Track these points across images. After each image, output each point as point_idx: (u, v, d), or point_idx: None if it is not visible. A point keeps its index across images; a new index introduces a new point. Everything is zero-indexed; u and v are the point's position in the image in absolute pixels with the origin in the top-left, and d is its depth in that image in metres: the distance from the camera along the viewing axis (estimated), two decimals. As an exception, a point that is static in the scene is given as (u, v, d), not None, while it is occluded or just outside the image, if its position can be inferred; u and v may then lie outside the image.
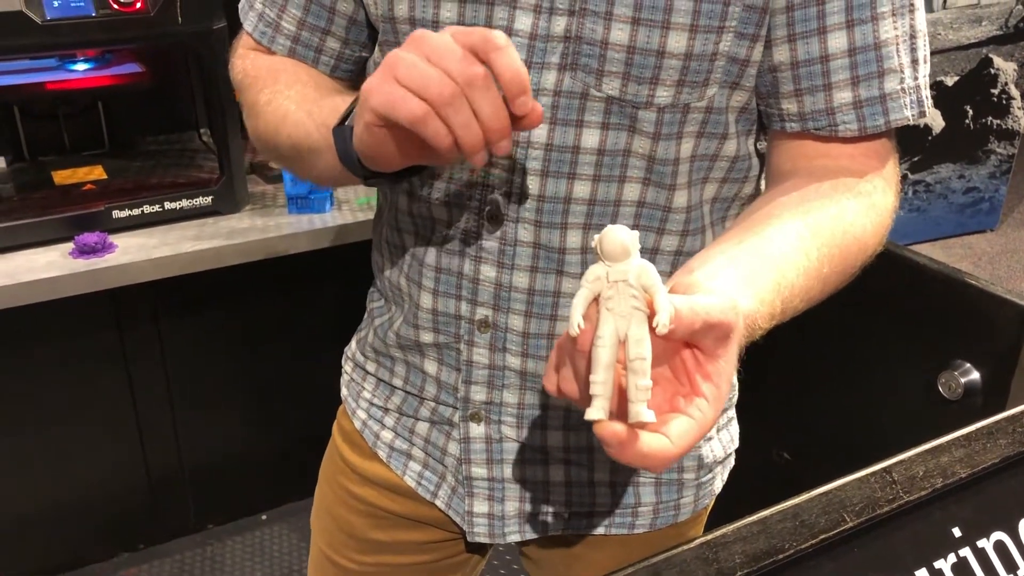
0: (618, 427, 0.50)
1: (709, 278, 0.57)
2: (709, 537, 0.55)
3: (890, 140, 0.75)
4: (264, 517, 2.11)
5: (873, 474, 0.62)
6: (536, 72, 0.71)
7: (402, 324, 0.86)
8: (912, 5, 0.71)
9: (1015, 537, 0.63)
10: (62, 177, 1.63)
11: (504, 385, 0.82)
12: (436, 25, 0.72)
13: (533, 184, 0.74)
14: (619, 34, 0.69)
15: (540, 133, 0.72)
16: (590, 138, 0.72)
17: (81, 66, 1.62)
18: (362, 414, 0.94)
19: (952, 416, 1.20)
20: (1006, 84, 3.49)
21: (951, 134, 3.48)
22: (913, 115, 0.72)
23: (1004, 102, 3.52)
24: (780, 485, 0.59)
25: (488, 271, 0.78)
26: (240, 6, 0.87)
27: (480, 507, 0.87)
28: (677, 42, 0.68)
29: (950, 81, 3.39)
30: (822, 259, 0.67)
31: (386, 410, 0.91)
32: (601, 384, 0.52)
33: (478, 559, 0.99)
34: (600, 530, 0.87)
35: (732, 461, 0.93)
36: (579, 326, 0.52)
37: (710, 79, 0.70)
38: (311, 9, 0.82)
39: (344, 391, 0.99)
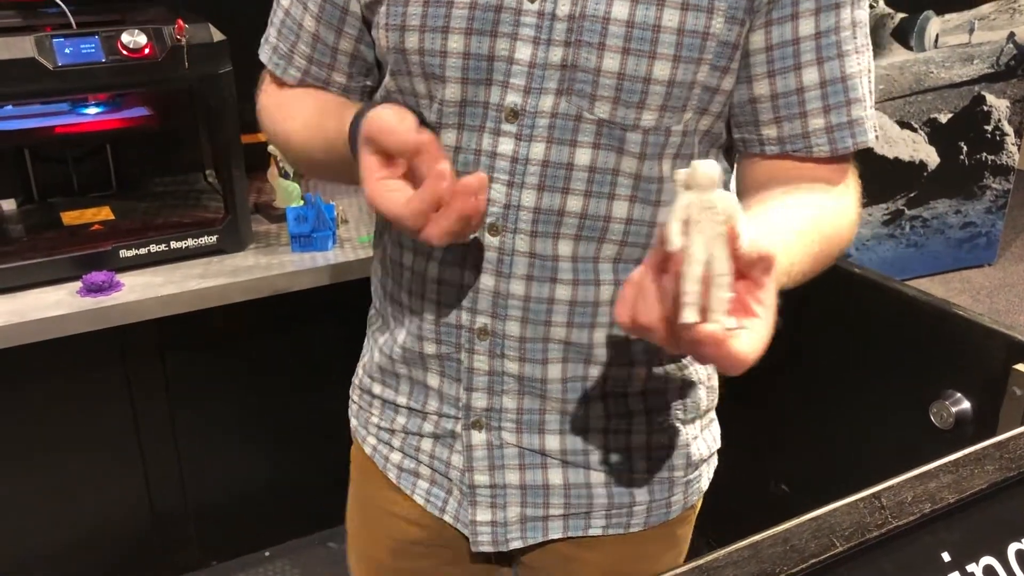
0: (715, 327, 0.58)
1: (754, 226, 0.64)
2: (701, 561, 0.56)
3: (852, 159, 0.84)
4: (267, 554, 2.11)
5: (862, 499, 0.63)
6: (535, 96, 0.78)
7: (407, 337, 0.90)
8: (868, 45, 0.80)
9: (1004, 562, 0.64)
10: (70, 218, 1.66)
11: (504, 391, 0.87)
12: (444, 55, 0.79)
13: (529, 198, 0.80)
14: (611, 62, 0.76)
15: (538, 151, 0.79)
16: (583, 156, 0.79)
17: (91, 110, 1.66)
18: (372, 440, 0.98)
19: (944, 445, 1.21)
20: (999, 121, 3.54)
21: (946, 170, 3.52)
22: (873, 139, 0.82)
23: (998, 138, 3.57)
24: (779, 518, 0.60)
25: (487, 280, 0.83)
26: (262, 40, 0.96)
27: (483, 515, 0.91)
28: (662, 70, 0.76)
29: (944, 118, 3.44)
30: (815, 242, 0.76)
31: (392, 431, 0.95)
32: (693, 294, 0.59)
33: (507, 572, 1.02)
34: (597, 531, 0.91)
35: (715, 461, 0.98)
36: (678, 245, 0.59)
37: (687, 105, 0.78)
38: (317, 48, 0.90)
39: (353, 421, 1.03)
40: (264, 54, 0.94)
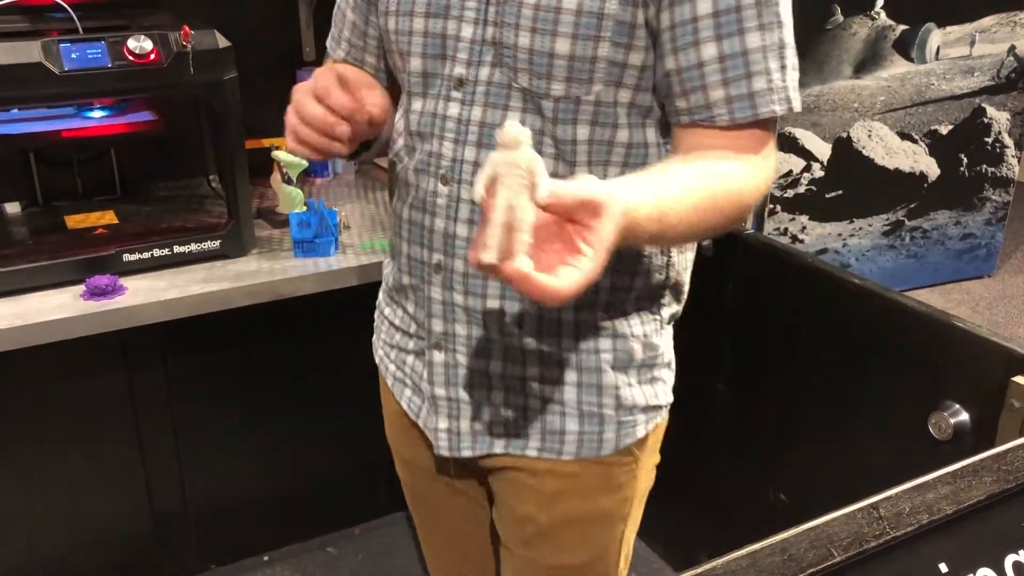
0: (519, 264, 0.69)
1: (596, 179, 0.76)
2: (699, 570, 0.56)
3: (765, 130, 0.90)
4: (266, 558, 2.11)
5: (860, 510, 0.64)
6: (475, 68, 0.93)
7: (395, 270, 1.09)
8: (780, 23, 0.87)
9: (1001, 573, 0.64)
10: (75, 221, 1.67)
11: (455, 319, 1.01)
12: (410, 35, 0.96)
13: (471, 153, 0.95)
14: (524, 40, 0.89)
15: (477, 114, 0.94)
16: (511, 118, 0.92)
17: (97, 114, 1.67)
18: (380, 352, 1.17)
19: (943, 456, 1.22)
20: (999, 133, 3.55)
21: (947, 181, 3.53)
22: (781, 109, 0.88)
23: (998, 150, 3.58)
24: (777, 528, 0.61)
25: (439, 223, 0.98)
26: None
27: (442, 423, 1.05)
28: (562, 46, 0.88)
29: (944, 130, 3.45)
30: (703, 199, 0.86)
31: (392, 346, 1.13)
32: (492, 237, 0.69)
33: (478, 494, 1.16)
34: (533, 452, 1.03)
35: (660, 418, 1.07)
36: (481, 196, 0.71)
37: (594, 77, 0.90)
38: (354, 32, 1.10)
39: (373, 337, 1.20)
40: (328, 40, 1.16)
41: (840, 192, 3.36)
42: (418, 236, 1.01)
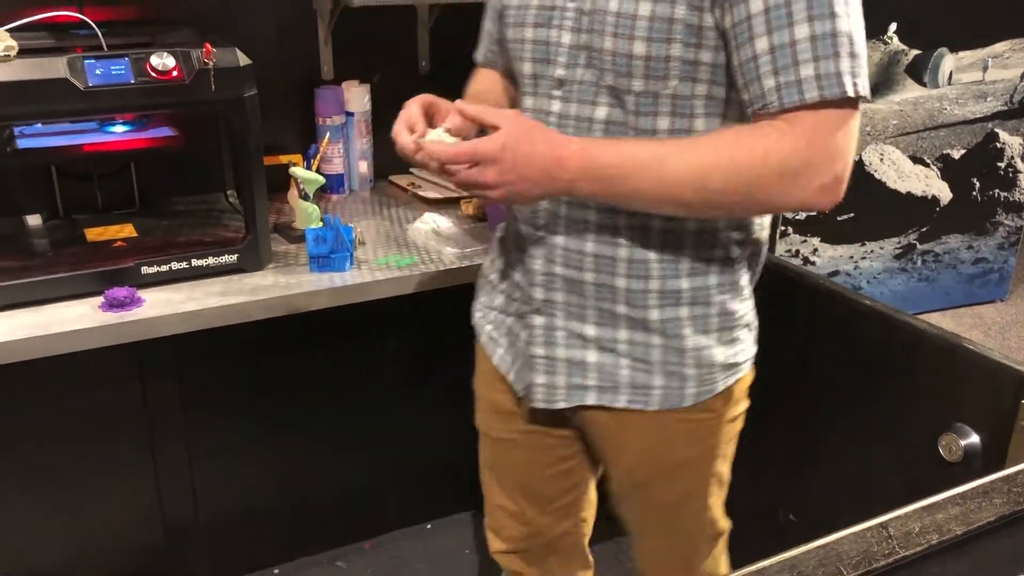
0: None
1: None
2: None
3: (818, 114, 0.94)
4: (276, 572, 2.12)
5: (870, 528, 0.64)
6: (572, 70, 1.09)
7: (503, 243, 1.28)
8: (833, 14, 0.93)
9: (1010, 594, 0.65)
10: (94, 234, 1.69)
11: (555, 288, 1.17)
12: (522, 43, 1.14)
13: None
14: (608, 43, 1.04)
15: (571, 109, 1.09)
16: (600, 113, 1.08)
17: (118, 129, 1.69)
18: (479, 314, 1.35)
19: (953, 479, 1.22)
20: (1012, 158, 3.55)
21: (959, 205, 3.53)
22: (831, 95, 0.93)
23: (1010, 175, 3.58)
24: (786, 547, 0.61)
25: (544, 202, 1.13)
26: None
27: (540, 379, 1.20)
28: (639, 48, 1.02)
29: (957, 154, 3.46)
30: (706, 144, 1.00)
31: (491, 308, 1.31)
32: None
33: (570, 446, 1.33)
34: (622, 403, 1.17)
35: (740, 374, 1.19)
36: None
37: (669, 74, 1.02)
38: (492, 41, 1.32)
39: (474, 300, 1.37)
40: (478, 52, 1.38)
41: (852, 215, 3.36)
42: (527, 214, 1.16)
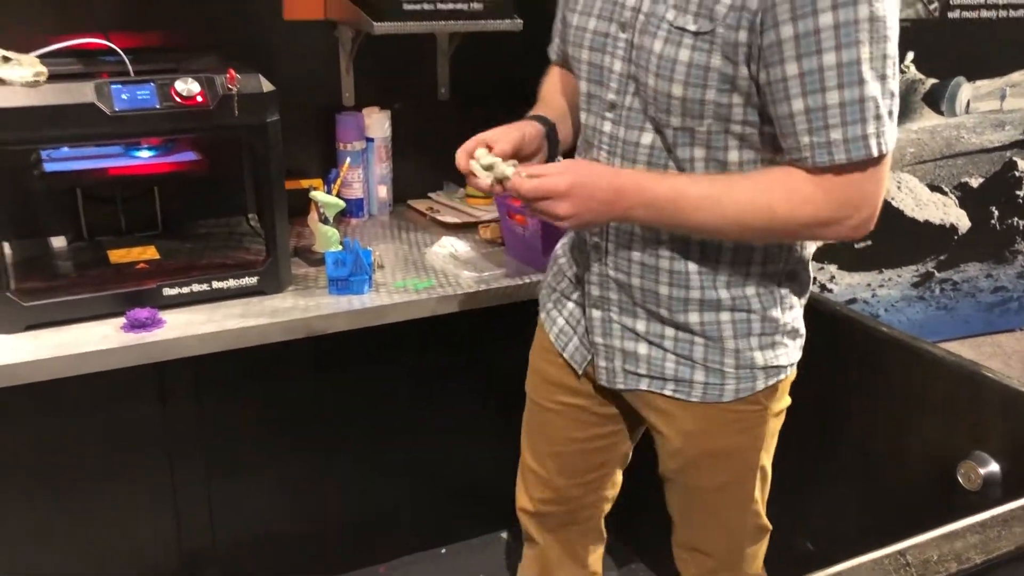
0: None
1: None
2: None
3: (847, 173, 1.06)
4: (290, 595, 2.12)
5: (888, 556, 0.64)
6: (622, 96, 1.19)
7: (571, 241, 1.40)
8: (862, 80, 1.02)
9: (1029, 623, 0.64)
10: (117, 256, 1.72)
11: (608, 288, 1.29)
12: (579, 63, 1.25)
13: (617, 162, 1.22)
14: (650, 81, 1.13)
15: (621, 132, 1.20)
16: (645, 138, 1.18)
17: (143, 153, 1.72)
18: (544, 291, 1.47)
19: (972, 508, 1.21)
20: (1031, 186, 3.54)
21: (977, 234, 3.51)
22: (856, 157, 1.04)
23: (1029, 204, 3.56)
24: (803, 573, 0.61)
25: None
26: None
27: (601, 363, 1.34)
28: (677, 90, 1.11)
29: (975, 183, 3.45)
30: (733, 181, 1.13)
31: (555, 290, 1.43)
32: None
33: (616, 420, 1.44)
34: (668, 392, 1.28)
35: (783, 374, 1.27)
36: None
37: (704, 114, 1.12)
38: (559, 46, 1.42)
39: (542, 279, 1.51)
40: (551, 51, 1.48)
41: (869, 242, 3.36)
42: None
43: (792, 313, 1.26)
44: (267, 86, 1.59)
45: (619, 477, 1.54)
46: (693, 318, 1.23)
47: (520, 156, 1.25)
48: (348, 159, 2.01)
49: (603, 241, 1.27)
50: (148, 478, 1.91)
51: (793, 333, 1.27)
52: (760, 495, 1.35)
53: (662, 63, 1.10)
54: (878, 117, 1.03)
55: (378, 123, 2.09)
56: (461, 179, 1.46)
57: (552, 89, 1.45)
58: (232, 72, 1.56)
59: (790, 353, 1.27)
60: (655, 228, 1.20)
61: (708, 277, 1.21)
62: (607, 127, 1.21)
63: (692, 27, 1.07)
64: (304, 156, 2.06)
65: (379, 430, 2.12)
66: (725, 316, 1.22)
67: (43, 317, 1.52)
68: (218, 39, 1.82)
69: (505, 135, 1.24)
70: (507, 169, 1.17)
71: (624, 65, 1.17)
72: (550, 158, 1.34)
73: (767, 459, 1.32)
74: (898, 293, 3.49)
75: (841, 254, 3.33)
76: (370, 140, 2.09)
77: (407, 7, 1.84)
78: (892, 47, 1.03)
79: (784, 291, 1.24)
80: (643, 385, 1.30)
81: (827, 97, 1.02)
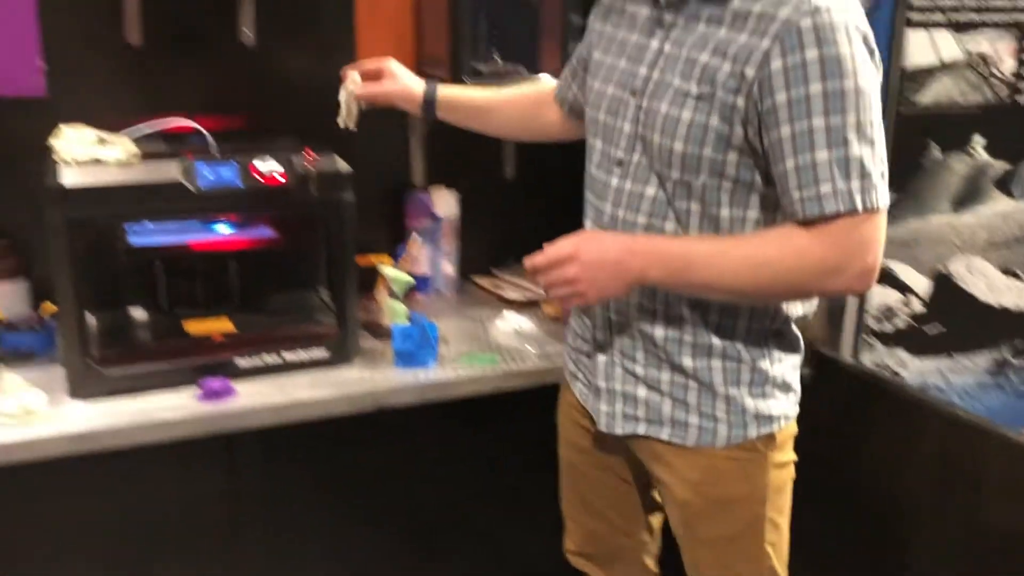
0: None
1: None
2: None
3: (839, 226, 1.15)
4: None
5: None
6: (629, 153, 1.30)
7: None
8: (846, 141, 1.13)
9: None
10: (194, 327, 1.77)
11: (611, 331, 1.37)
12: (595, 123, 1.37)
13: (621, 213, 1.31)
14: (656, 138, 1.25)
15: (627, 185, 1.30)
16: (649, 191, 1.28)
17: (223, 228, 1.79)
18: (565, 354, 1.54)
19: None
20: (1110, 271, 3.43)
21: (1055, 319, 3.41)
22: (843, 209, 1.14)
23: (1109, 289, 3.45)
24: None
25: None
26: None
27: (603, 407, 1.39)
28: (678, 146, 1.23)
29: (1050, 267, 3.36)
30: (738, 243, 1.23)
31: (572, 348, 1.50)
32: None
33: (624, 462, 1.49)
34: (665, 436, 1.34)
35: (777, 424, 1.33)
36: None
37: (701, 168, 1.22)
38: (565, 86, 1.60)
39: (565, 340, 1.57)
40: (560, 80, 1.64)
41: (941, 327, 3.28)
42: None
43: (781, 367, 1.33)
44: (342, 166, 1.65)
45: (656, 521, 1.57)
46: (687, 361, 1.30)
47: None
48: (416, 236, 2.06)
49: None
50: (214, 549, 1.92)
51: (784, 387, 1.34)
52: (775, 552, 1.37)
53: (667, 122, 1.22)
54: (863, 175, 1.13)
55: (445, 202, 2.15)
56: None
57: (506, 92, 1.69)
58: (309, 152, 1.63)
59: (782, 405, 1.33)
60: None
61: (700, 321, 1.29)
62: (614, 181, 1.31)
63: (695, 91, 1.20)
64: (374, 233, 2.12)
65: (444, 502, 2.10)
66: (716, 363, 1.30)
67: (122, 385, 1.57)
68: (296, 121, 1.89)
69: (377, 84, 1.65)
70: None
71: (632, 126, 1.28)
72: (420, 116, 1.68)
73: (775, 512, 1.35)
74: (973, 380, 3.38)
75: (910, 339, 3.26)
76: (437, 218, 2.15)
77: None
78: (876, 116, 1.15)
79: (772, 344, 1.31)
80: (641, 429, 1.36)
81: (816, 156, 1.13)
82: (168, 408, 1.53)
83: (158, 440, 1.50)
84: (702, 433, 1.32)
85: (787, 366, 1.34)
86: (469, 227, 2.21)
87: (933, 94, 3.11)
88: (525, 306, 2.06)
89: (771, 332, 1.31)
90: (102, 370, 1.56)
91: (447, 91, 1.68)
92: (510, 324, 1.90)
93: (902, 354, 3.26)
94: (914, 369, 3.29)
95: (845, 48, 1.12)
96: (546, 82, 1.67)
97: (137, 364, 1.60)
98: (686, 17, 1.23)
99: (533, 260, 1.24)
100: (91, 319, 1.62)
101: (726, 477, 1.33)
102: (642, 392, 1.35)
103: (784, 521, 1.38)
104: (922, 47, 3.04)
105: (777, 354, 1.32)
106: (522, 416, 1.65)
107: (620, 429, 1.38)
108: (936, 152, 3.14)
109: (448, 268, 2.19)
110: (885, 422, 1.58)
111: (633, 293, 1.30)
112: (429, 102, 1.66)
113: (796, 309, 1.32)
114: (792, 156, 1.15)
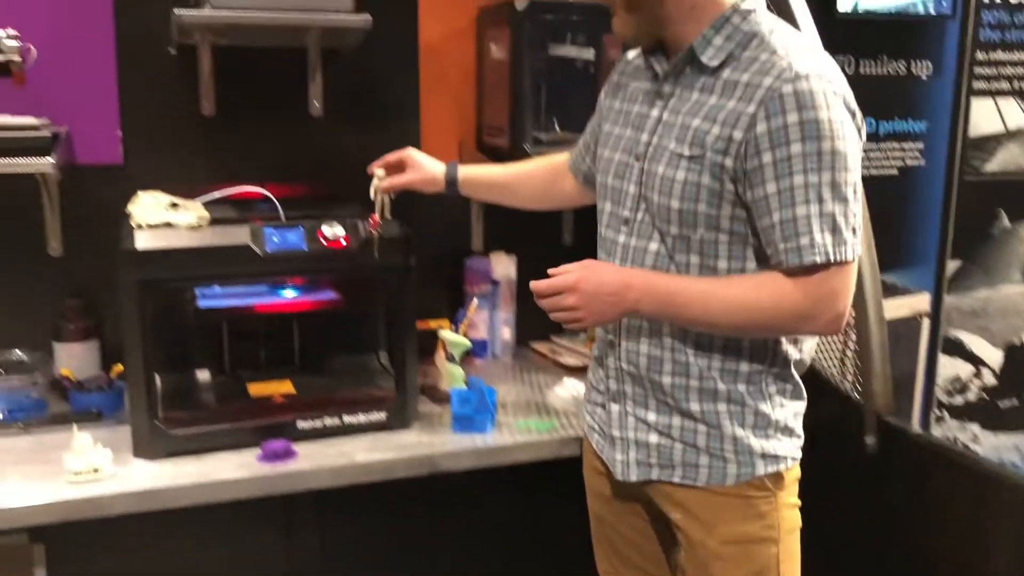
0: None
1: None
2: None
3: (817, 275, 1.26)
4: None
5: None
6: (634, 212, 1.39)
7: (595, 345, 1.53)
8: (820, 198, 1.23)
9: None
10: (256, 389, 1.80)
11: (624, 381, 1.43)
12: (605, 187, 1.45)
13: (627, 267, 1.39)
14: (655, 197, 1.34)
15: (632, 242, 1.39)
16: (652, 246, 1.37)
17: (288, 291, 1.83)
18: (584, 409, 1.58)
19: None
20: None
21: None
22: (821, 260, 1.24)
23: None
24: None
25: None
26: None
27: (619, 456, 1.45)
28: (675, 204, 1.32)
29: None
30: (728, 283, 1.32)
31: (589, 401, 1.55)
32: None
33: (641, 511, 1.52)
34: (677, 479, 1.40)
35: (782, 465, 1.38)
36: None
37: (697, 223, 1.31)
38: (578, 159, 1.68)
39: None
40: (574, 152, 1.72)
41: (1015, 401, 3.16)
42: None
43: (783, 412, 1.38)
44: (405, 231, 1.68)
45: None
46: (695, 406, 1.36)
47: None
48: (475, 301, 2.08)
49: (616, 338, 1.43)
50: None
51: (787, 431, 1.39)
52: None
53: (664, 182, 1.32)
54: (834, 230, 1.24)
55: (504, 267, 2.17)
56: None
57: (523, 167, 1.78)
58: (374, 217, 1.66)
59: (787, 447, 1.39)
60: (658, 322, 1.36)
61: (705, 367, 1.35)
62: (621, 238, 1.40)
63: (687, 152, 1.30)
64: (434, 297, 2.14)
65: (496, 571, 2.07)
66: (722, 406, 1.36)
67: (185, 446, 1.60)
68: (361, 191, 1.94)
69: (400, 176, 1.74)
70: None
71: (636, 187, 1.38)
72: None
73: (787, 556, 1.38)
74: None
75: (984, 412, 3.14)
76: (496, 283, 2.16)
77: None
78: (852, 176, 1.25)
79: (772, 389, 1.37)
80: (654, 475, 1.41)
81: (796, 211, 1.24)
82: (229, 469, 1.55)
83: (218, 500, 1.51)
84: (712, 472, 1.37)
85: (788, 412, 1.39)
86: (527, 292, 2.21)
87: (1000, 162, 3.06)
88: (582, 372, 2.04)
89: (771, 375, 1.37)
90: (167, 430, 1.59)
91: (467, 171, 1.76)
92: (568, 390, 1.89)
93: (975, 428, 3.15)
94: (988, 444, 3.17)
95: (823, 112, 1.22)
96: (556, 155, 1.75)
97: (200, 425, 1.63)
98: (682, 87, 1.35)
99: (538, 285, 1.35)
100: (158, 380, 1.65)
101: (737, 514, 1.37)
102: (654, 438, 1.40)
103: (796, 570, 1.41)
104: (987, 115, 3.00)
105: (778, 399, 1.38)
106: (579, 482, 1.63)
107: (635, 476, 1.43)
108: (1005, 221, 3.07)
109: (506, 333, 2.20)
110: (960, 497, 1.52)
111: (643, 342, 1.39)
112: (451, 183, 1.75)
113: (793, 353, 1.38)
114: (778, 210, 1.25)
